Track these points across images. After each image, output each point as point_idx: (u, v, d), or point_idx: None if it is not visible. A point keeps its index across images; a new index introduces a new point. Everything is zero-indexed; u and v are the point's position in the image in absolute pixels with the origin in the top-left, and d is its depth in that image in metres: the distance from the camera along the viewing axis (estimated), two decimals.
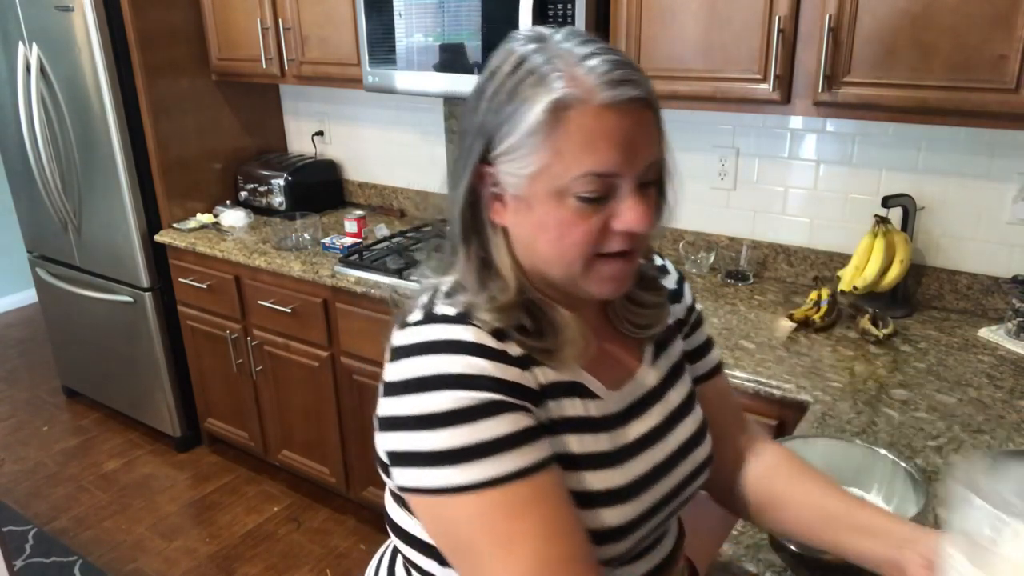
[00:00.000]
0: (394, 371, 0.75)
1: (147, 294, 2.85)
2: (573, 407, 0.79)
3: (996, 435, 1.34)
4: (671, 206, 0.82)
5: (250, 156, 3.02)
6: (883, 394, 1.50)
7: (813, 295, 1.83)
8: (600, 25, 1.86)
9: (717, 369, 1.01)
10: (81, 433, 3.26)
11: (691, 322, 0.98)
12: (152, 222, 2.80)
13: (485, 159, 0.75)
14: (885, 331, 1.72)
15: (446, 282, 0.80)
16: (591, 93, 0.70)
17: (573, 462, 0.78)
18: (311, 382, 2.53)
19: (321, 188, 2.97)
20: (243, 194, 2.94)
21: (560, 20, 1.84)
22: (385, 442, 0.75)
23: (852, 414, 1.42)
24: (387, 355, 0.78)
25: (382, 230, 2.58)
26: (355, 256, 2.35)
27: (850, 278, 1.83)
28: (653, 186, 0.77)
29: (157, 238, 2.77)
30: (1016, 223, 1.79)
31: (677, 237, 2.25)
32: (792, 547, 1.01)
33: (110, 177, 2.74)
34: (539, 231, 0.75)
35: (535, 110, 0.70)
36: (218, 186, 2.96)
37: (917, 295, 1.94)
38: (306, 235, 2.53)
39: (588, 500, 0.78)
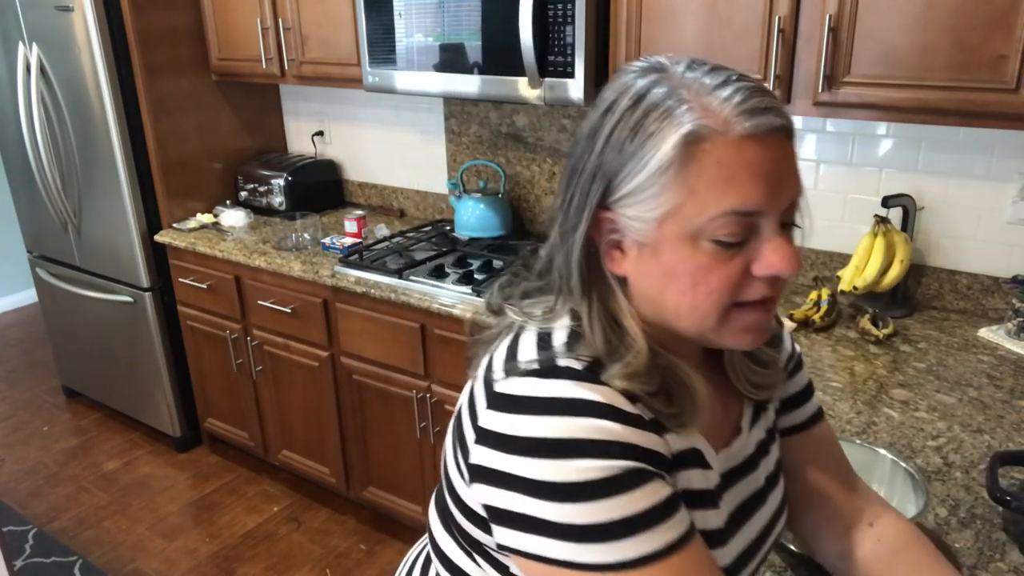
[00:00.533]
0: (511, 425, 0.65)
1: (147, 294, 2.85)
2: (697, 479, 0.73)
3: (996, 435, 1.34)
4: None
5: (250, 156, 3.02)
6: (883, 394, 1.50)
7: (813, 295, 1.83)
8: (600, 25, 1.86)
9: (817, 417, 0.91)
10: (81, 433, 3.26)
11: (790, 369, 0.90)
12: (152, 222, 2.80)
13: (604, 203, 0.68)
14: (885, 331, 1.72)
15: (560, 328, 0.72)
16: (728, 124, 0.63)
17: None
18: (311, 382, 2.53)
19: (321, 188, 2.97)
20: (243, 194, 2.94)
21: (560, 20, 1.84)
22: (488, 497, 0.67)
23: (852, 414, 1.42)
24: (483, 396, 0.70)
25: (382, 230, 2.58)
26: (355, 256, 2.35)
27: (850, 278, 1.83)
28: (794, 226, 0.70)
29: (157, 238, 2.77)
30: (1016, 223, 1.79)
31: None
32: (792, 547, 1.01)
33: (110, 177, 2.74)
34: (668, 280, 0.68)
35: (665, 146, 0.64)
36: (218, 186, 2.96)
37: (917, 295, 1.94)
38: (306, 235, 2.53)
39: None
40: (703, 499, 0.73)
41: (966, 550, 1.04)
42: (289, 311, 2.45)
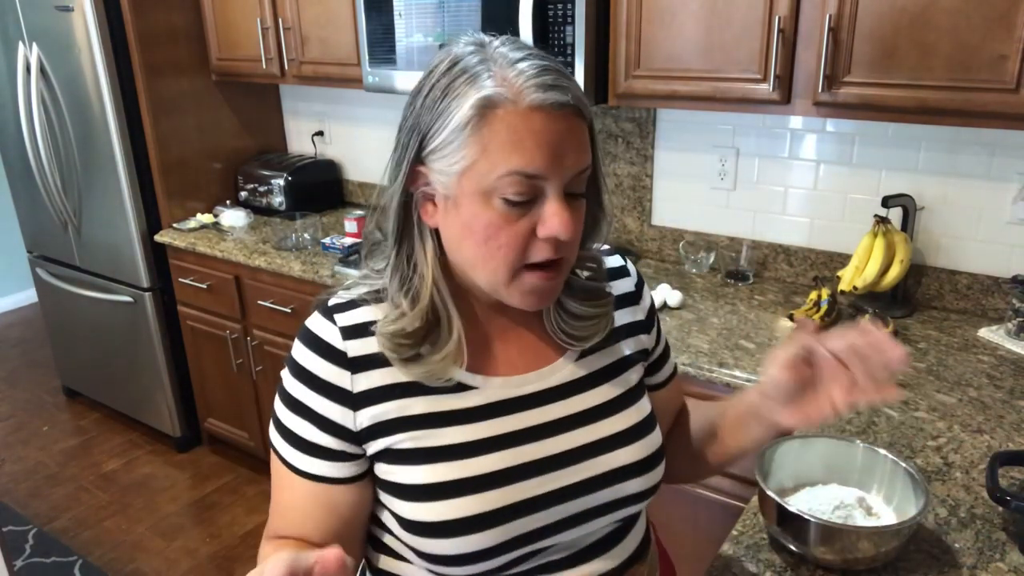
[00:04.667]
0: None
1: (147, 294, 2.85)
2: (422, 405, 0.81)
3: (996, 435, 1.34)
4: (608, 219, 0.85)
5: (250, 156, 3.02)
6: None
7: (813, 295, 1.83)
8: (600, 25, 1.86)
9: (675, 373, 1.04)
10: (81, 433, 3.26)
11: (655, 327, 0.98)
12: (152, 222, 2.80)
13: (420, 158, 0.77)
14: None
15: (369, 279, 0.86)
16: (520, 94, 0.71)
17: (412, 456, 0.81)
18: None
19: (321, 188, 2.97)
20: (243, 194, 2.94)
21: (560, 20, 1.84)
22: None
23: (852, 414, 1.42)
24: None
25: None
26: (355, 256, 2.35)
27: (850, 278, 1.83)
28: (583, 198, 0.78)
29: (157, 238, 2.77)
30: (1016, 223, 1.79)
31: (677, 237, 2.25)
32: (792, 547, 1.01)
33: (110, 177, 2.74)
34: (466, 233, 0.76)
35: (464, 106, 0.72)
36: (218, 186, 2.96)
37: (917, 295, 1.94)
38: (306, 235, 2.53)
39: (432, 492, 0.79)
40: (451, 418, 0.82)
41: (966, 550, 1.04)
42: (289, 311, 2.45)
